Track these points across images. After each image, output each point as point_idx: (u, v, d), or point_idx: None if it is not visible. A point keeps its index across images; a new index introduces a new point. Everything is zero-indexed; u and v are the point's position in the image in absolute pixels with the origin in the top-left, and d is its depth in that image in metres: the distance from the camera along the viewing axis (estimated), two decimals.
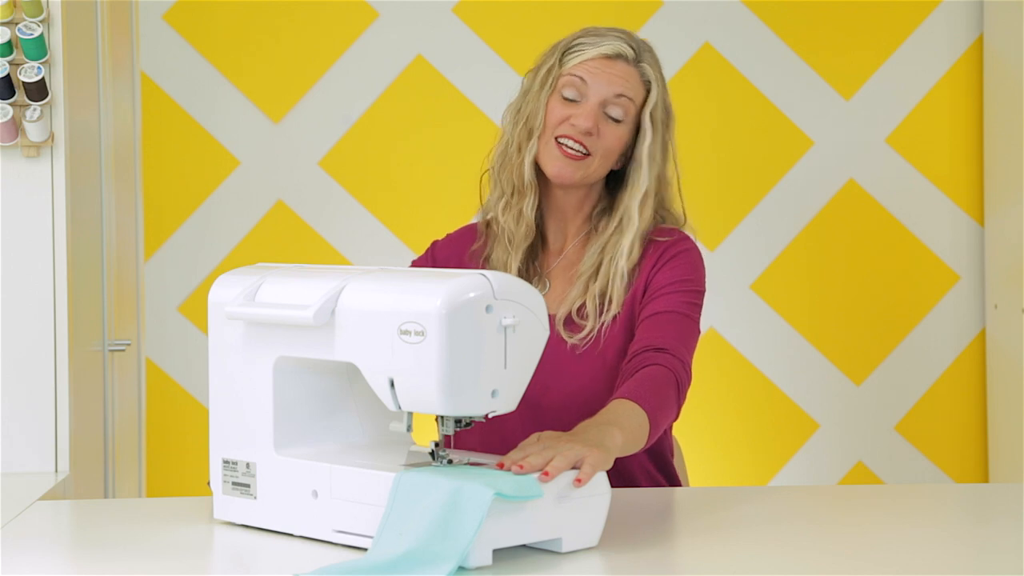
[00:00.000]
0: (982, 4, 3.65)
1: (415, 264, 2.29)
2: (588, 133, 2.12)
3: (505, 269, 2.18)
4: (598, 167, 2.15)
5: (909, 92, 3.69)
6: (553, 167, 2.15)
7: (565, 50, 2.18)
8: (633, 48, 2.16)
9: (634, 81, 2.15)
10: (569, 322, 2.15)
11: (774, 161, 3.67)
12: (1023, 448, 3.45)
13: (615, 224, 2.16)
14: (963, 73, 3.69)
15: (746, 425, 3.63)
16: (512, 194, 2.20)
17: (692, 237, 2.21)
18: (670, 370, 2.02)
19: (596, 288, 2.13)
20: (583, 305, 2.15)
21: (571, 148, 2.13)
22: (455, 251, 2.27)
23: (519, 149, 2.19)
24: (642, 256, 2.16)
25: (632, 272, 2.15)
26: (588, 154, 2.13)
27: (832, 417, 3.69)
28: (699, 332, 2.14)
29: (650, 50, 2.19)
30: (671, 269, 2.15)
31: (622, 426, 1.85)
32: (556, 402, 2.12)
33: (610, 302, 2.13)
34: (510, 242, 2.19)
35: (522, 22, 3.61)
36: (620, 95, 2.13)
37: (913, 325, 3.70)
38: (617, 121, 2.14)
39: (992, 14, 3.60)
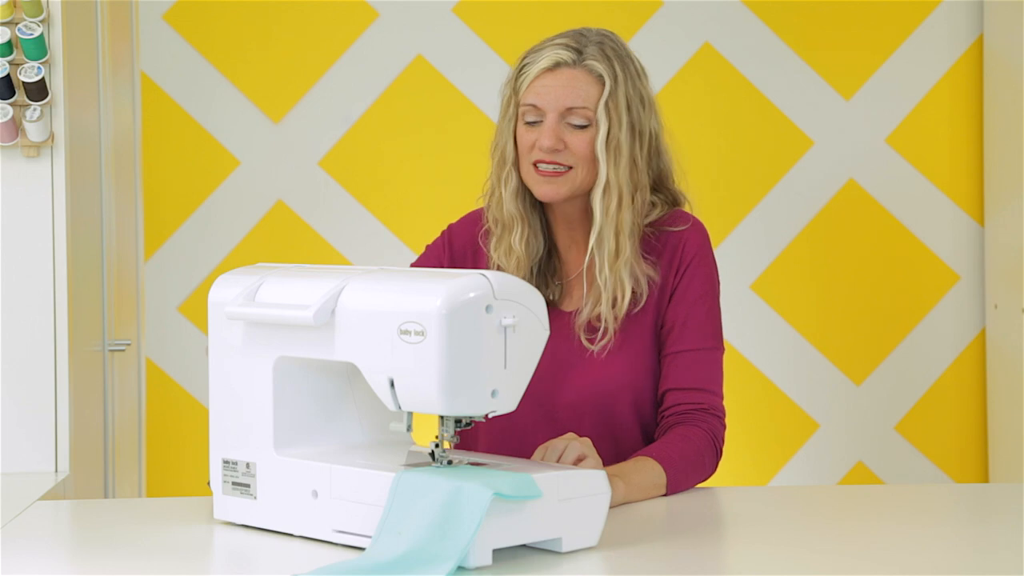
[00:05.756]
0: (982, 4, 3.65)
1: (430, 248, 2.28)
2: (555, 150, 2.11)
3: None
4: (583, 177, 2.13)
5: (909, 92, 3.69)
6: (539, 191, 2.14)
7: (516, 75, 2.18)
8: (574, 48, 2.14)
9: (582, 83, 2.12)
10: (590, 328, 2.15)
11: (774, 161, 3.67)
12: (1023, 448, 3.45)
13: (592, 222, 2.16)
14: (963, 73, 3.69)
15: (746, 425, 3.63)
16: (501, 231, 2.20)
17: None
18: (708, 433, 2.10)
19: (606, 296, 2.12)
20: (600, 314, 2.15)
21: (547, 169, 2.13)
22: (472, 237, 2.26)
23: (498, 182, 2.20)
24: (661, 248, 2.16)
25: (632, 268, 2.14)
26: (569, 168, 2.12)
27: (832, 417, 3.69)
28: (724, 349, 2.18)
29: (599, 41, 2.15)
30: (692, 277, 2.15)
31: (628, 480, 1.96)
32: (571, 398, 2.13)
33: (613, 301, 2.12)
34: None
35: (522, 22, 3.61)
36: (572, 108, 2.11)
37: (913, 325, 3.70)
38: (582, 127, 2.12)
39: (992, 14, 3.60)
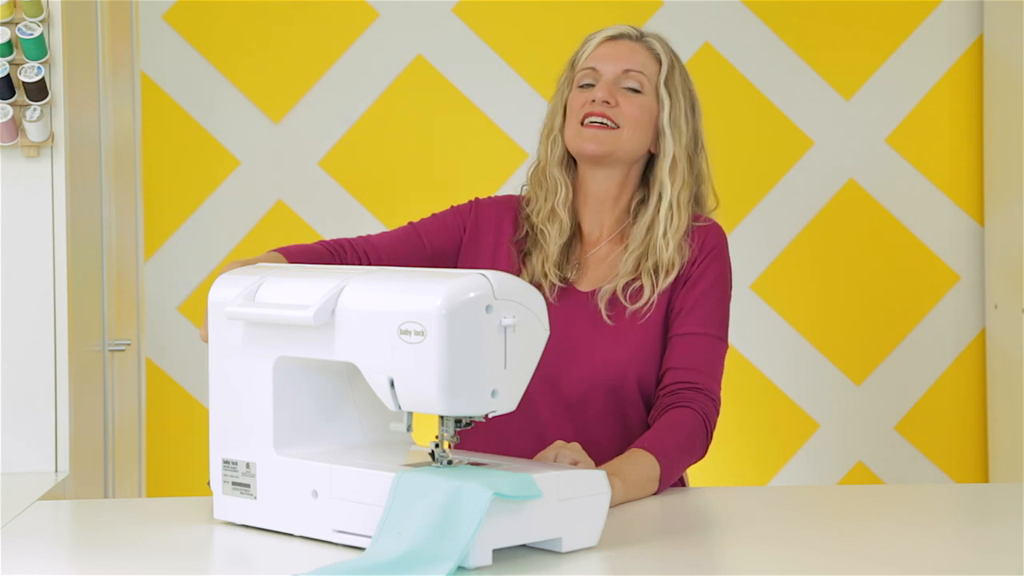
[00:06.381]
0: (982, 4, 3.65)
1: (456, 209, 2.29)
2: (606, 103, 2.17)
3: (541, 268, 2.20)
4: (629, 138, 2.18)
5: (909, 92, 3.69)
6: (585, 147, 2.18)
7: (576, 53, 2.26)
8: (636, 30, 2.25)
9: (642, 55, 2.22)
10: (613, 301, 2.17)
11: (774, 161, 3.67)
12: (1023, 448, 3.45)
13: (654, 198, 2.20)
14: (963, 73, 3.69)
15: (746, 425, 3.63)
16: (544, 195, 2.24)
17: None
18: (700, 414, 2.11)
19: (649, 264, 2.16)
20: (631, 283, 2.17)
21: (595, 121, 2.17)
22: (496, 215, 2.28)
23: (544, 151, 2.26)
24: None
25: (681, 244, 2.17)
26: (616, 126, 2.17)
27: (832, 417, 3.69)
28: (728, 345, 2.20)
29: (659, 37, 2.27)
30: (706, 269, 2.18)
31: (625, 478, 1.95)
32: (581, 376, 2.15)
33: (666, 272, 2.16)
34: (544, 239, 2.22)
35: (522, 22, 3.61)
36: (629, 70, 2.19)
37: (913, 325, 3.70)
38: (635, 91, 2.19)
39: (992, 14, 3.60)
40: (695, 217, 2.23)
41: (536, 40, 3.59)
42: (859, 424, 3.69)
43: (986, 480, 3.68)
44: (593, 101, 2.17)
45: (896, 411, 3.70)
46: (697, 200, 2.25)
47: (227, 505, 1.82)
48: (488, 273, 1.65)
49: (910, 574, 1.59)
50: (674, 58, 2.25)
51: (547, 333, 1.71)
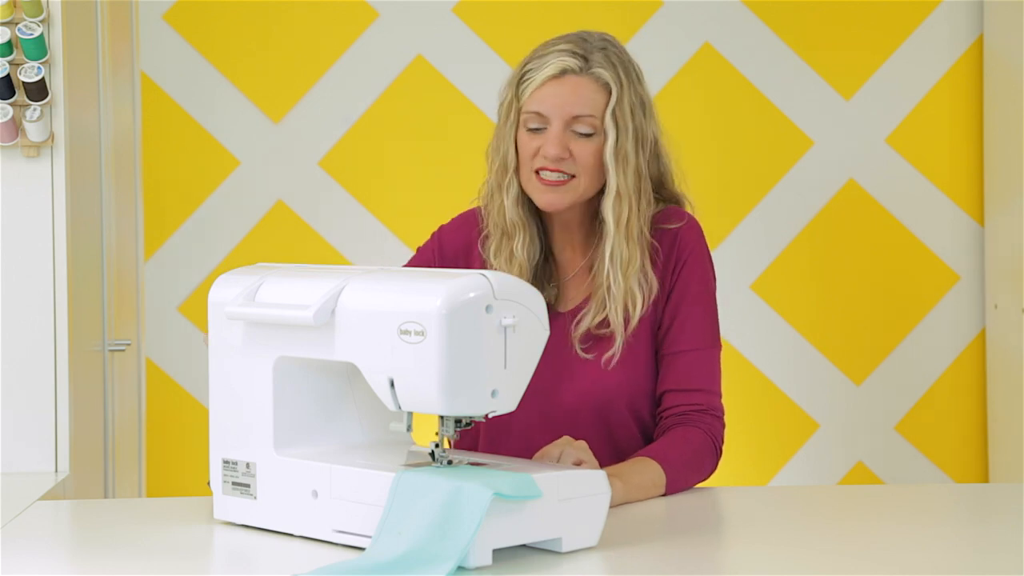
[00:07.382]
0: (982, 4, 3.65)
1: (421, 251, 2.26)
2: (560, 159, 2.09)
3: None
4: (586, 186, 2.12)
5: (909, 92, 3.69)
6: (540, 200, 2.12)
7: (518, 81, 2.14)
8: (579, 55, 2.11)
9: (588, 92, 2.09)
10: (586, 337, 2.14)
11: (774, 161, 3.67)
12: (1023, 448, 3.45)
13: (604, 228, 2.14)
14: (963, 73, 3.69)
15: (746, 425, 3.62)
16: (501, 237, 2.18)
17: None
18: (707, 435, 2.09)
19: (614, 306, 2.11)
20: (603, 322, 2.13)
21: (550, 177, 2.10)
22: (462, 246, 2.24)
23: (499, 188, 2.17)
24: (657, 246, 2.15)
25: (642, 271, 2.13)
26: (572, 176, 2.10)
27: (832, 417, 3.69)
28: (721, 345, 2.17)
29: (603, 47, 2.13)
30: (688, 276, 2.14)
31: (627, 481, 1.95)
32: (569, 400, 2.13)
33: (629, 315, 2.12)
34: None
35: (522, 22, 3.61)
36: (578, 116, 2.09)
37: (913, 325, 3.70)
38: (587, 135, 2.10)
39: (992, 14, 3.60)
40: (665, 217, 2.17)
41: (536, 40, 3.56)
42: (859, 424, 3.69)
43: (986, 480, 3.68)
44: (545, 157, 2.09)
45: (896, 411, 3.70)
46: (666, 191, 2.19)
47: (227, 505, 1.82)
48: (488, 273, 1.65)
49: (910, 574, 1.59)
50: (623, 74, 2.11)
51: (547, 333, 1.71)
